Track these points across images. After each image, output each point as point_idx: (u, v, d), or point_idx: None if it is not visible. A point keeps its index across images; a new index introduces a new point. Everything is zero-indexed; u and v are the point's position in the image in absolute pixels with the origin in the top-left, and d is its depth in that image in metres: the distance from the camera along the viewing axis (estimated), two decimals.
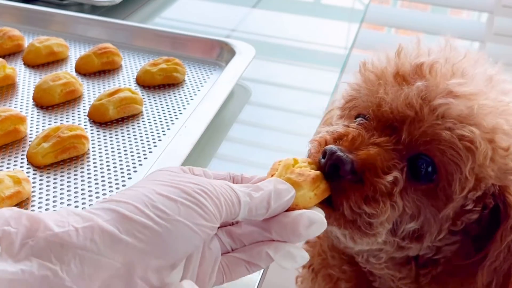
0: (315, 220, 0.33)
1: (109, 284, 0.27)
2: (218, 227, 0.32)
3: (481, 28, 1.44)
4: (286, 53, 0.81)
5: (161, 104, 0.61)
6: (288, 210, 0.34)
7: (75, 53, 0.70)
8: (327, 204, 0.37)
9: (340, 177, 0.37)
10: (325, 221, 0.34)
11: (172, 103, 0.61)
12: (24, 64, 0.66)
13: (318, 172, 0.37)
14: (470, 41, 1.55)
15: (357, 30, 0.89)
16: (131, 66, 0.68)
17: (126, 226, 0.28)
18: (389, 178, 0.37)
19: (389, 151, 0.38)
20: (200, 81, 0.66)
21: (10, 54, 0.68)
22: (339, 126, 0.41)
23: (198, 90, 0.64)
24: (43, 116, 0.57)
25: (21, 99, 0.60)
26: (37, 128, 0.55)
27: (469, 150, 0.37)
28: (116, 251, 0.28)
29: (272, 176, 0.36)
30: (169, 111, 0.60)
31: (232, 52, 0.68)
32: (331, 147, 0.37)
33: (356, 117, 0.42)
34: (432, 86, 0.38)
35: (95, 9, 0.83)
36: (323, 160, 0.37)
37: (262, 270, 0.44)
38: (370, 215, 0.37)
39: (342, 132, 0.40)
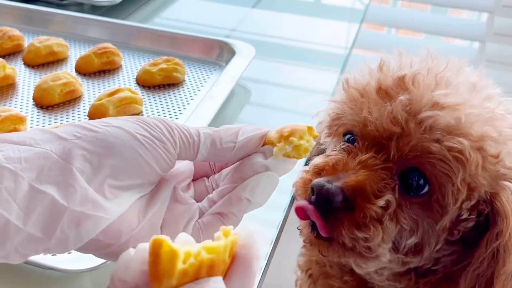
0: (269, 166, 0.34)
1: (43, 168, 0.28)
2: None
3: (481, 28, 1.44)
4: (286, 53, 0.81)
5: (161, 104, 0.61)
6: None
7: (75, 53, 0.70)
8: (322, 239, 0.38)
9: (334, 209, 0.37)
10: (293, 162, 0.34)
11: (172, 103, 0.61)
12: (24, 64, 0.66)
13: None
14: (470, 41, 1.55)
15: (357, 30, 0.89)
16: (131, 66, 0.68)
17: (66, 129, 0.30)
18: (381, 202, 0.37)
19: (378, 171, 0.38)
20: (200, 81, 0.66)
21: (10, 54, 0.68)
22: (317, 159, 0.40)
23: (198, 90, 0.64)
24: (43, 116, 0.57)
25: (21, 99, 0.60)
26: None
27: (459, 161, 0.36)
28: (53, 143, 0.29)
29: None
30: (169, 111, 0.60)
31: (232, 52, 0.68)
32: (317, 181, 0.37)
33: (344, 135, 0.42)
34: (416, 99, 0.37)
35: (95, 9, 0.83)
36: (313, 197, 0.37)
37: (262, 271, 0.44)
38: (365, 240, 0.37)
39: (321, 164, 0.39)
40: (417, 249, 0.40)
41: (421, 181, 0.38)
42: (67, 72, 0.62)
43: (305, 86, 0.72)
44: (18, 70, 0.65)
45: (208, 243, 0.23)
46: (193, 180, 0.37)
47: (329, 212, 0.37)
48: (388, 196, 0.37)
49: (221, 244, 0.23)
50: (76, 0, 0.82)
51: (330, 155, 0.40)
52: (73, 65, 0.67)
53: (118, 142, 0.30)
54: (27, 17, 0.75)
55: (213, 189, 0.36)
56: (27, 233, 0.27)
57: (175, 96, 0.62)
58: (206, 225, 0.33)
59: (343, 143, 0.41)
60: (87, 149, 0.29)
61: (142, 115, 0.59)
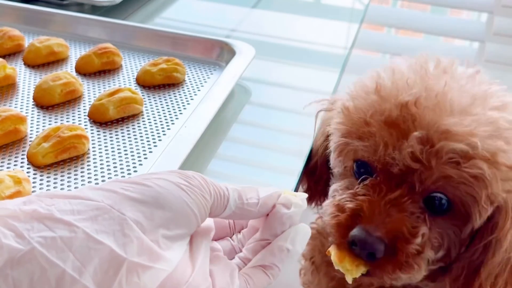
0: (293, 200, 0.35)
1: (98, 218, 0.27)
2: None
3: (481, 28, 1.44)
4: (286, 53, 0.81)
5: (161, 104, 0.61)
6: None
7: (75, 53, 0.70)
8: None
9: (376, 258, 0.39)
10: (303, 200, 0.36)
11: (172, 103, 0.61)
12: (24, 64, 0.66)
13: None
14: (470, 41, 1.55)
15: (357, 30, 0.89)
16: (131, 66, 0.68)
17: (112, 184, 0.30)
18: (418, 240, 0.39)
19: (408, 206, 0.39)
20: (200, 81, 0.66)
21: (10, 54, 0.68)
22: (347, 198, 0.42)
23: (198, 90, 0.64)
24: (43, 116, 0.57)
25: (21, 99, 0.60)
26: (37, 128, 0.55)
27: (481, 181, 0.38)
28: (103, 196, 0.29)
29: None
30: (169, 111, 0.60)
31: (232, 52, 0.68)
32: (358, 235, 0.39)
33: (355, 161, 0.44)
34: (426, 128, 0.38)
35: (95, 9, 0.83)
36: (356, 248, 0.39)
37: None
38: (409, 276, 0.40)
39: (354, 208, 0.41)
40: (445, 256, 0.42)
41: (444, 201, 0.40)
42: (67, 72, 0.62)
43: (305, 86, 0.72)
44: (18, 70, 0.65)
45: None
46: (215, 240, 0.37)
47: (372, 259, 0.39)
48: (423, 230, 0.39)
49: None
50: (76, 0, 0.82)
51: (358, 194, 0.41)
52: (73, 65, 0.67)
53: (164, 191, 0.30)
54: (27, 17, 0.75)
55: (240, 249, 0.36)
56: (83, 285, 0.25)
57: (175, 96, 0.62)
58: (251, 277, 0.33)
59: (364, 177, 0.42)
60: (138, 199, 0.29)
61: (142, 115, 0.59)
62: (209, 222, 0.35)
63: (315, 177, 0.53)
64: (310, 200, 0.54)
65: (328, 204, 0.43)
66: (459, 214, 0.40)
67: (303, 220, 0.36)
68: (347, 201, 0.41)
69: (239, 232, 0.38)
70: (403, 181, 0.40)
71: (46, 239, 0.26)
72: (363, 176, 0.42)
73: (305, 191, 0.54)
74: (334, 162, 0.46)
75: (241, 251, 0.36)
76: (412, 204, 0.40)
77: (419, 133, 0.38)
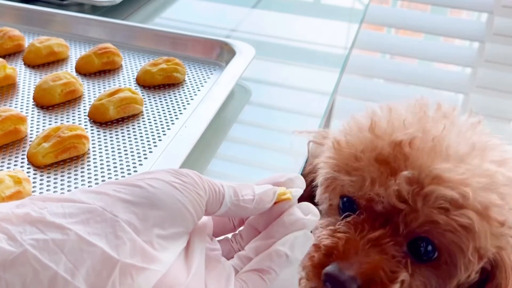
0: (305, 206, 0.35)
1: (90, 221, 0.27)
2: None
3: (481, 28, 1.44)
4: (286, 53, 0.81)
5: (161, 104, 0.61)
6: None
7: (75, 53, 0.70)
8: None
9: None
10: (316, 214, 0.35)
11: (172, 103, 0.61)
12: (25, 64, 0.67)
13: None
14: (470, 41, 1.55)
15: (357, 30, 0.89)
16: (131, 66, 0.68)
17: (104, 187, 0.30)
18: (397, 286, 0.37)
19: (389, 249, 0.37)
20: (200, 81, 0.66)
21: (11, 54, 0.68)
22: (324, 236, 0.40)
23: (198, 90, 0.64)
24: (44, 116, 0.57)
25: (22, 99, 0.60)
26: (37, 128, 0.55)
27: (469, 232, 0.36)
28: (95, 198, 0.28)
29: None
30: (169, 111, 0.60)
31: (232, 52, 0.68)
32: (330, 270, 0.37)
33: (342, 197, 0.42)
34: (418, 170, 0.37)
35: (95, 9, 0.83)
36: (329, 286, 0.37)
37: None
38: None
39: (329, 245, 0.39)
40: None
41: (429, 248, 0.38)
42: (68, 72, 0.62)
43: (305, 86, 0.72)
44: (18, 70, 0.65)
45: None
46: (216, 236, 0.37)
47: None
48: (403, 276, 0.37)
49: None
50: (77, 0, 0.82)
51: (337, 231, 0.39)
52: (73, 65, 0.67)
53: (157, 191, 0.30)
54: (27, 17, 0.75)
55: (239, 249, 0.36)
56: (75, 287, 0.25)
57: (175, 96, 0.62)
58: (246, 282, 0.33)
59: (347, 214, 0.40)
60: (129, 201, 0.29)
61: (142, 115, 0.59)
62: (206, 219, 0.35)
63: None
64: None
65: None
66: (445, 265, 0.38)
67: None
68: (324, 238, 0.39)
69: (241, 226, 0.37)
70: (388, 221, 0.38)
71: (38, 242, 0.26)
72: (346, 213, 0.40)
73: None
74: (320, 198, 0.44)
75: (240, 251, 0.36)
76: (395, 247, 0.37)
77: (408, 172, 0.37)
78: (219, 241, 0.37)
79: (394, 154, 0.38)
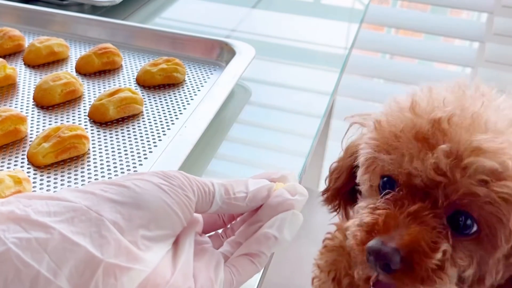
0: (296, 187, 0.35)
1: (74, 220, 0.27)
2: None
3: (481, 28, 1.44)
4: (286, 53, 0.81)
5: (161, 104, 0.61)
6: None
7: (75, 53, 0.70)
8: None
9: (392, 270, 0.37)
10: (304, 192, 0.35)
11: (172, 103, 0.61)
12: (25, 64, 0.67)
13: None
14: (470, 41, 1.55)
15: (357, 30, 0.89)
16: (131, 66, 0.68)
17: (92, 186, 0.30)
18: (438, 255, 0.37)
19: (428, 221, 0.38)
20: (200, 81, 0.66)
21: (11, 54, 0.68)
22: (364, 214, 0.41)
23: (198, 90, 0.64)
24: (44, 116, 0.57)
25: (22, 99, 0.60)
26: (37, 128, 0.55)
27: (509, 203, 0.36)
28: (81, 197, 0.28)
29: None
30: (169, 111, 0.60)
31: (232, 52, 0.68)
32: (372, 245, 0.38)
33: (382, 177, 0.42)
34: (456, 143, 0.37)
35: (95, 9, 0.83)
36: (372, 259, 0.38)
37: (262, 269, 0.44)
38: None
39: (371, 221, 0.39)
40: (479, 280, 0.40)
41: (468, 222, 0.38)
42: (68, 72, 0.62)
43: (305, 86, 0.72)
44: (18, 70, 0.65)
45: None
46: (207, 233, 0.37)
47: (389, 271, 0.38)
48: (444, 246, 0.38)
49: None
50: (77, 0, 0.82)
51: (377, 208, 0.40)
52: (74, 65, 0.67)
53: (144, 192, 0.30)
54: (27, 17, 0.75)
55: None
56: (58, 286, 0.25)
57: (175, 96, 0.62)
58: (237, 267, 0.33)
59: (387, 191, 0.41)
60: (116, 201, 0.29)
61: (142, 115, 0.59)
62: (196, 216, 0.35)
63: (340, 190, 0.52)
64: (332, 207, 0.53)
65: (350, 224, 0.42)
66: (486, 238, 0.38)
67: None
68: (365, 216, 0.40)
69: (231, 222, 0.37)
70: (427, 195, 0.39)
71: (21, 240, 0.26)
72: (385, 191, 0.41)
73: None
74: (361, 178, 0.45)
75: None
76: (434, 219, 0.38)
77: (446, 146, 0.37)
78: (209, 236, 0.36)
79: (432, 131, 0.39)
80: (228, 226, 0.37)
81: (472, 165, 0.36)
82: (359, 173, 0.45)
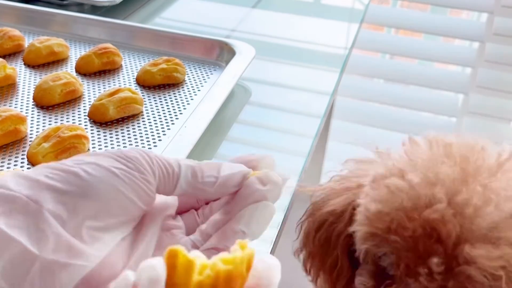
0: (269, 176, 0.32)
1: (12, 212, 0.26)
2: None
3: (480, 28, 1.44)
4: (286, 53, 0.81)
5: (161, 104, 0.61)
6: None
7: (75, 53, 0.70)
8: None
9: None
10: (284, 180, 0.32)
11: (172, 103, 0.61)
12: (25, 64, 0.67)
13: None
14: (470, 41, 1.55)
15: (357, 30, 0.89)
16: (131, 66, 0.68)
17: (39, 170, 0.27)
18: None
19: None
20: (200, 81, 0.66)
21: (11, 54, 0.68)
22: None
23: (198, 90, 0.64)
24: (43, 116, 0.57)
25: (22, 99, 0.60)
26: (37, 128, 0.55)
27: None
28: (23, 185, 0.27)
29: None
30: (169, 111, 0.60)
31: (232, 52, 0.68)
32: None
33: (380, 256, 0.39)
34: (449, 255, 0.35)
35: (95, 9, 0.83)
36: None
37: None
38: None
39: None
40: None
41: None
42: (67, 72, 0.62)
43: (305, 86, 0.72)
44: (18, 70, 0.65)
45: (224, 255, 0.22)
46: (179, 214, 0.34)
47: None
48: None
49: (238, 256, 0.22)
50: (77, 1, 0.82)
51: None
52: (73, 65, 0.67)
53: (93, 179, 0.27)
54: (27, 17, 0.75)
55: (203, 223, 0.33)
56: None
57: (175, 96, 0.62)
58: None
59: (388, 282, 0.38)
60: (59, 189, 0.27)
61: (142, 115, 0.59)
62: (170, 198, 0.33)
63: (335, 271, 0.47)
64: None
65: None
66: None
67: None
68: None
69: (207, 204, 0.34)
70: None
71: None
72: (387, 282, 0.38)
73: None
74: (359, 248, 0.41)
75: None
76: None
77: (438, 261, 0.34)
78: (185, 215, 0.34)
79: (424, 235, 0.35)
80: (207, 206, 0.34)
81: (463, 273, 0.34)
82: (359, 240, 0.41)
